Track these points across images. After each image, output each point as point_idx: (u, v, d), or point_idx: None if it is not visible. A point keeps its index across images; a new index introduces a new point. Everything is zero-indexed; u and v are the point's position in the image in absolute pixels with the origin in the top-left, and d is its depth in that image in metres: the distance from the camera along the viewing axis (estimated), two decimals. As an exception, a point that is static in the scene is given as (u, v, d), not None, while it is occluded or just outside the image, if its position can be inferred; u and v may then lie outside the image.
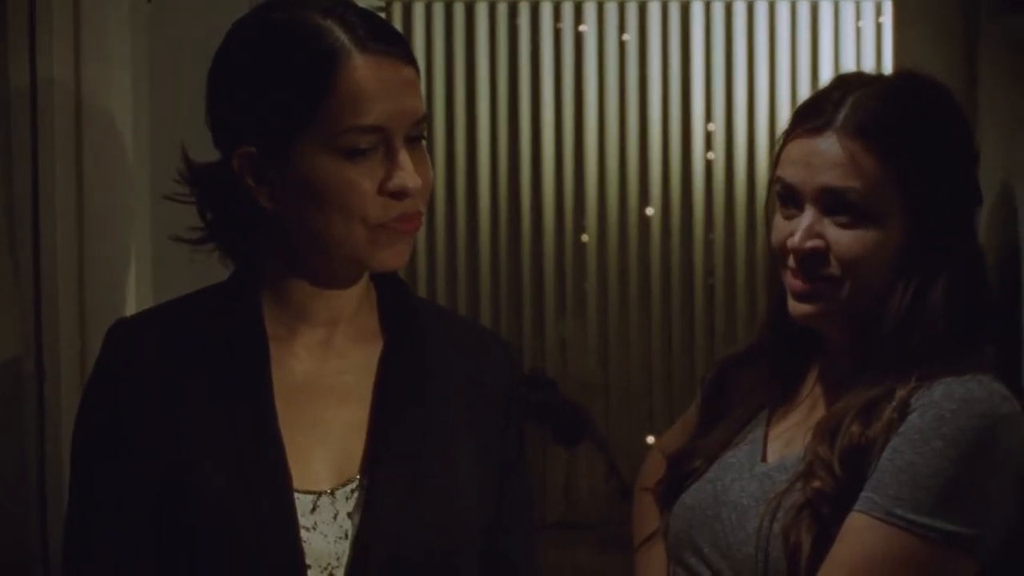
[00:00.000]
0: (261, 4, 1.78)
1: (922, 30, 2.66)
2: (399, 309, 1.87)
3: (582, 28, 6.20)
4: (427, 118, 1.77)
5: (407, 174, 1.72)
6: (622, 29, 6.21)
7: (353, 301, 1.83)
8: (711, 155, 6.22)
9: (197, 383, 1.76)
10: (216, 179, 1.79)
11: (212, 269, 1.89)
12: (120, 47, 2.13)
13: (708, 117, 6.22)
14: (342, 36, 1.72)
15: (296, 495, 1.74)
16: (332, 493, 1.77)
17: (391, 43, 1.74)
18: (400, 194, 1.72)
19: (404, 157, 1.72)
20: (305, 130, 1.71)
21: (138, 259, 2.17)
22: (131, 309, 2.13)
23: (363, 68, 1.71)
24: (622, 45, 6.21)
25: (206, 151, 1.81)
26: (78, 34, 2.11)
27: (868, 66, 5.74)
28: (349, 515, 1.76)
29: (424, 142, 1.78)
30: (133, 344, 1.78)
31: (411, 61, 1.76)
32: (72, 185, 2.12)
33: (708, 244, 6.23)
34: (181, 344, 1.79)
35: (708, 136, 6.22)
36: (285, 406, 1.77)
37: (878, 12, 6.17)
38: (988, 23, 2.44)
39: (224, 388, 1.76)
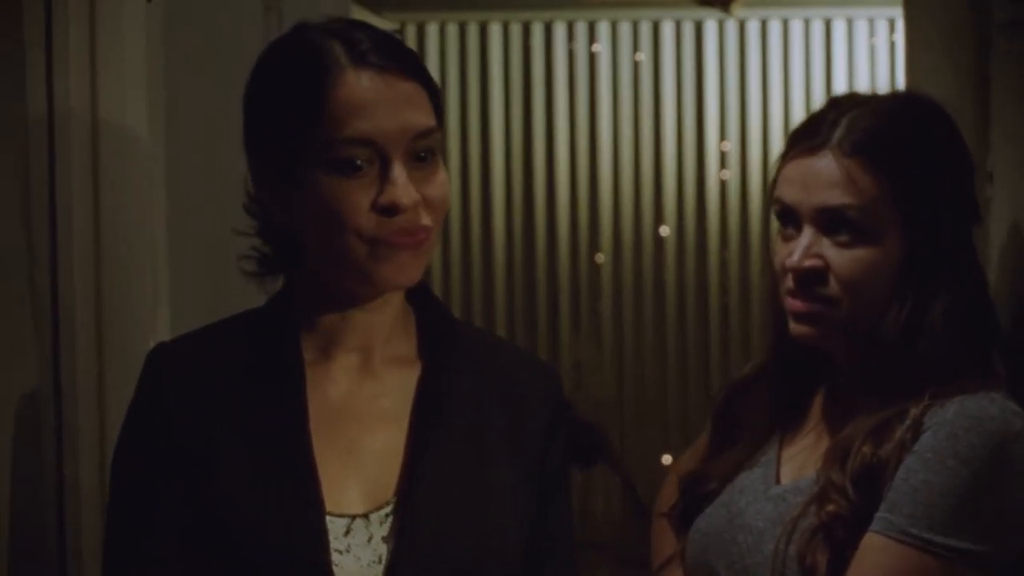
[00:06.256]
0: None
1: (934, 49, 2.66)
2: (437, 333, 1.87)
3: (595, 48, 6.21)
4: (432, 132, 1.75)
5: (399, 189, 1.71)
6: (636, 48, 6.22)
7: (386, 324, 1.83)
8: (725, 174, 6.22)
9: (234, 407, 1.77)
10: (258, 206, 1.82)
11: (229, 292, 1.89)
12: (135, 71, 2.15)
13: (722, 135, 6.23)
14: (339, 53, 1.73)
15: (329, 518, 1.75)
16: (366, 516, 1.77)
17: (391, 58, 1.74)
18: (391, 209, 1.71)
19: (399, 172, 1.71)
20: (307, 148, 1.72)
21: (155, 283, 2.18)
22: (148, 333, 2.14)
23: (355, 82, 1.71)
24: (636, 64, 6.22)
25: (219, 175, 1.82)
26: (94, 60, 2.12)
27: (882, 84, 5.74)
28: (384, 539, 1.76)
29: (438, 158, 1.77)
30: (172, 368, 1.80)
31: (414, 76, 1.75)
32: (89, 210, 2.13)
33: (723, 263, 6.23)
34: (219, 368, 1.80)
35: (722, 155, 6.23)
36: (320, 430, 1.78)
37: (891, 29, 6.17)
38: (999, 43, 2.44)
39: (260, 412, 1.77)
